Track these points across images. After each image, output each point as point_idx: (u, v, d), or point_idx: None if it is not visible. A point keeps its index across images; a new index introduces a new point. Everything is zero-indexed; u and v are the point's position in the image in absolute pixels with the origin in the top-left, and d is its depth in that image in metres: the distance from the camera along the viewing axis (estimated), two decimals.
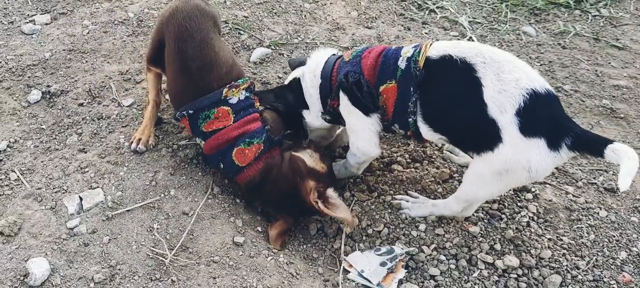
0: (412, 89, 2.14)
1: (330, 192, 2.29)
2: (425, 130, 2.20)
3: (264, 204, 2.48)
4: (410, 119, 2.19)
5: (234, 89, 2.42)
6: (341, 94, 2.33)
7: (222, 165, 2.41)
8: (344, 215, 2.25)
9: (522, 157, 1.95)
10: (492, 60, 1.99)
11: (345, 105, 2.34)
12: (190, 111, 2.41)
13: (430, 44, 2.16)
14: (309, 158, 2.42)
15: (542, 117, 1.94)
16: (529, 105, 1.92)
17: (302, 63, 2.61)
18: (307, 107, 2.54)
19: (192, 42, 2.43)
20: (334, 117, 2.46)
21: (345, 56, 2.40)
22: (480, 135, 2.03)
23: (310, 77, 2.48)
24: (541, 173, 2.01)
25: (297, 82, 2.54)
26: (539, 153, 1.94)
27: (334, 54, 2.49)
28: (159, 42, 2.59)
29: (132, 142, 2.63)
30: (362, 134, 2.37)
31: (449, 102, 2.11)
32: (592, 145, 1.94)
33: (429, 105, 2.15)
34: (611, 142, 1.90)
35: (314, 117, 2.54)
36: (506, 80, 1.95)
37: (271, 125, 2.46)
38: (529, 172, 1.98)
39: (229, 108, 2.39)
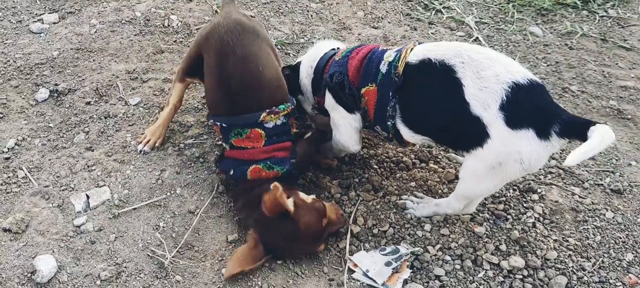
0: (390, 94, 2.17)
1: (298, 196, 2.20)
2: (406, 132, 2.23)
3: (240, 207, 2.35)
4: (389, 123, 2.22)
5: (273, 115, 2.32)
6: (327, 92, 2.39)
7: (232, 172, 2.31)
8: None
9: (512, 149, 1.95)
10: (470, 60, 2.00)
11: (330, 102, 2.41)
12: (224, 124, 2.35)
13: (411, 49, 2.18)
14: (305, 196, 2.29)
15: (527, 107, 1.93)
16: (512, 98, 1.92)
17: None
18: (301, 93, 2.62)
19: (234, 58, 2.33)
20: (321, 111, 2.55)
21: (336, 55, 2.43)
22: (466, 133, 2.04)
23: (306, 67, 2.55)
24: (534, 164, 2.00)
25: (298, 66, 2.61)
26: (529, 144, 1.93)
27: (333, 49, 2.52)
28: (197, 57, 2.50)
29: (141, 142, 2.65)
30: (343, 130, 2.42)
31: (429, 104, 2.13)
32: (577, 129, 1.91)
33: (409, 108, 2.17)
34: (594, 123, 1.87)
35: (307, 104, 2.64)
36: (486, 77, 1.96)
37: (299, 159, 2.35)
38: (521, 164, 1.97)
39: (263, 132, 2.31)
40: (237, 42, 2.36)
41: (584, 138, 1.87)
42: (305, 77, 2.54)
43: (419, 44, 2.25)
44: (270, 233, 2.15)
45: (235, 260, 2.10)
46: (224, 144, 2.45)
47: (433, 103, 2.12)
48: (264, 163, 2.28)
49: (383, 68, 2.22)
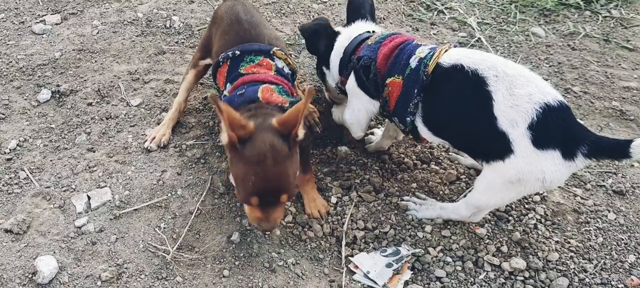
0: (416, 90, 2.14)
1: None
2: (425, 132, 2.22)
3: None
4: (409, 119, 2.21)
5: (281, 53, 2.40)
6: (352, 73, 2.40)
7: (244, 91, 2.19)
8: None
9: (535, 168, 1.94)
10: (505, 74, 1.98)
11: (351, 84, 2.41)
12: (236, 52, 2.35)
13: (445, 50, 2.15)
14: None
15: (555, 129, 1.92)
16: (541, 119, 1.91)
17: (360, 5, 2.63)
18: (328, 67, 2.61)
19: (243, 7, 2.59)
20: (343, 91, 2.55)
21: (370, 39, 2.41)
22: (489, 145, 2.03)
23: (339, 46, 2.53)
24: (556, 183, 2.00)
25: (335, 37, 2.59)
26: (553, 164, 1.93)
27: (367, 31, 2.50)
28: (208, 37, 2.69)
29: (146, 140, 2.69)
30: (356, 112, 2.45)
31: (454, 110, 2.11)
32: (614, 150, 1.93)
33: (433, 110, 2.16)
34: (632, 140, 1.88)
35: (331, 80, 2.63)
36: (518, 95, 1.94)
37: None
38: (543, 183, 1.97)
39: (274, 64, 2.35)
40: (243, 3, 2.66)
41: (625, 156, 1.90)
42: (336, 55, 2.54)
43: (455, 46, 2.23)
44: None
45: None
46: (225, 86, 2.35)
47: (458, 110, 2.10)
48: (277, 87, 2.23)
49: (413, 63, 2.18)
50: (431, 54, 2.15)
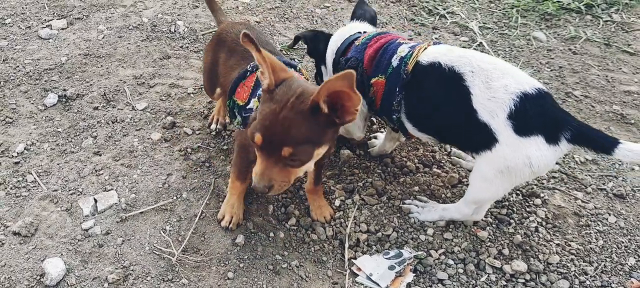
0: (397, 89, 2.21)
1: None
2: (411, 128, 2.29)
3: None
4: (394, 116, 2.28)
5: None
6: None
7: None
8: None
9: (521, 154, 1.99)
10: (480, 69, 2.04)
11: None
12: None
13: (424, 49, 2.21)
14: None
15: (535, 115, 1.97)
16: (520, 108, 1.97)
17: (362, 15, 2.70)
18: (325, 65, 2.68)
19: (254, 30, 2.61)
20: None
21: (358, 40, 2.46)
22: (474, 137, 2.09)
23: (332, 46, 2.59)
24: (543, 168, 2.04)
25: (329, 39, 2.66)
26: (538, 149, 1.98)
27: (359, 32, 2.55)
28: (214, 62, 2.60)
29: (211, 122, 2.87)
30: None
31: (435, 107, 2.17)
32: (596, 143, 1.98)
33: (414, 106, 2.22)
34: (619, 142, 1.93)
35: (327, 77, 2.68)
36: (495, 87, 2.00)
37: None
38: (531, 168, 2.01)
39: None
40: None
41: (606, 153, 1.96)
42: (330, 55, 2.60)
43: (434, 42, 2.28)
44: None
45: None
46: (249, 100, 2.23)
47: (438, 106, 2.15)
48: None
49: (394, 62, 2.25)
50: (411, 52, 2.22)
